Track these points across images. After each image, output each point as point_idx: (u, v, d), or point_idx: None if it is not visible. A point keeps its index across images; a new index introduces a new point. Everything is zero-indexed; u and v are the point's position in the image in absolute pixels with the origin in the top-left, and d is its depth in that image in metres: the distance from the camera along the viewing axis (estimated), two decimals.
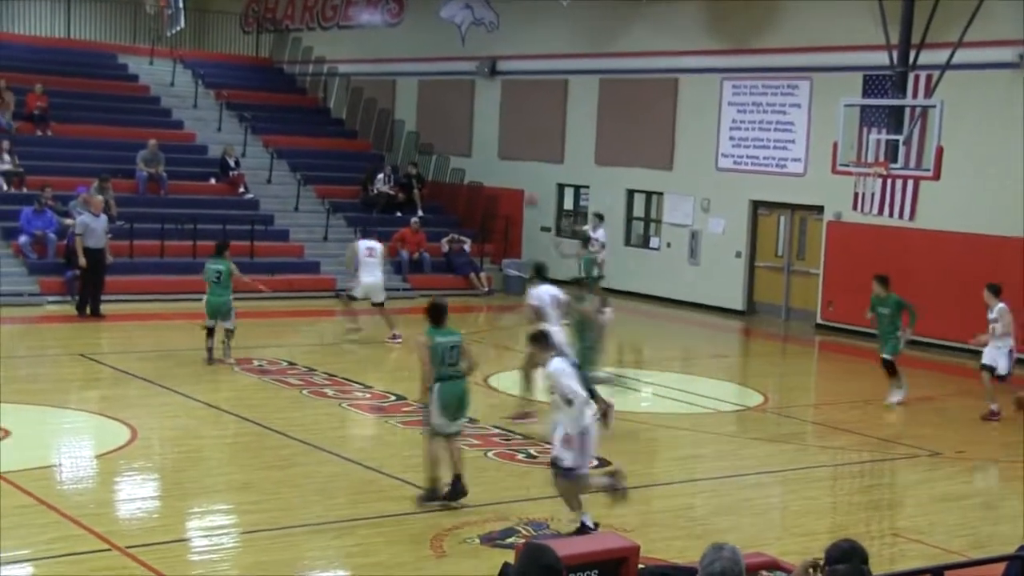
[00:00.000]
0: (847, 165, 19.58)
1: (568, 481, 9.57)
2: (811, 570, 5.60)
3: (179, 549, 9.20)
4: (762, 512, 11.14)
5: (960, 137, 19.39)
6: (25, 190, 23.36)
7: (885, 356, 15.93)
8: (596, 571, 5.90)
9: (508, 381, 16.02)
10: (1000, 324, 14.99)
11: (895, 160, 19.01)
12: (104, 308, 20.15)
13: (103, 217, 20.38)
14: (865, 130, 20.19)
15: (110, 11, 34.61)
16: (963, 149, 19.58)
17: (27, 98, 25.91)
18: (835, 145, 19.67)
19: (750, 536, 9.61)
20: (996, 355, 14.99)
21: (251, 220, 24.62)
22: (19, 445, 11.91)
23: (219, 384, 15.49)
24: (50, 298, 21.15)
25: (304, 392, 14.90)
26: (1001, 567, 6.59)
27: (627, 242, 26.33)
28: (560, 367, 9.73)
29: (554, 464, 9.64)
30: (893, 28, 19.11)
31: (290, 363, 16.68)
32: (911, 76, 19.68)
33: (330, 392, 14.94)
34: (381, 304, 19.17)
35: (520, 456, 12.26)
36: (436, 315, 10.59)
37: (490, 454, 12.29)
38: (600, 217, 23.77)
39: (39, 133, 25.85)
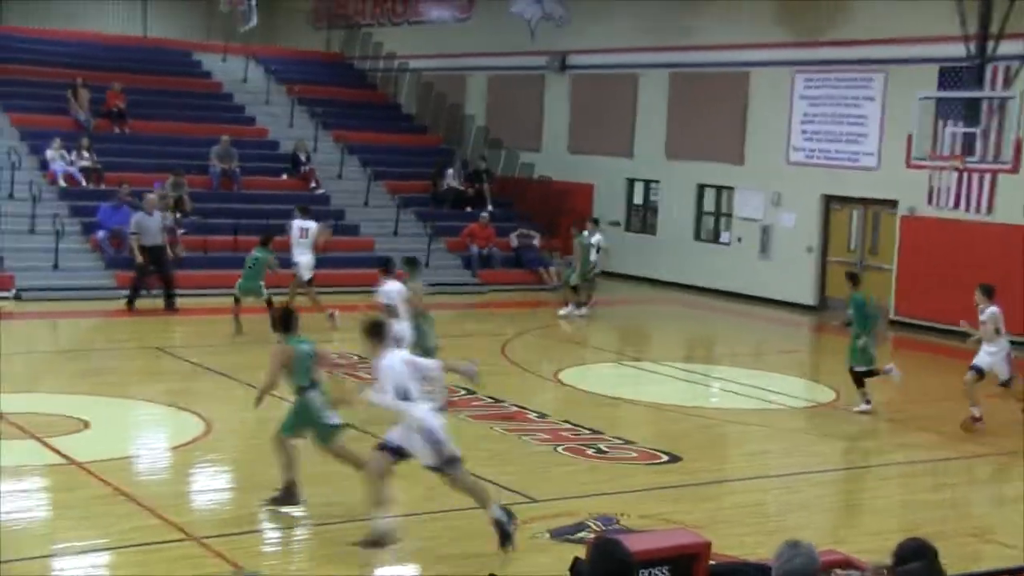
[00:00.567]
0: (922, 159, 19.34)
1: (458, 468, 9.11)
2: (884, 571, 5.54)
3: (252, 540, 9.33)
4: (834, 509, 11.05)
5: None
6: (103, 186, 23.78)
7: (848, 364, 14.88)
8: (667, 567, 5.89)
9: (576, 376, 16.05)
10: (991, 328, 13.92)
11: (971, 153, 18.74)
12: (178, 302, 20.44)
13: (157, 215, 20.57)
14: (941, 123, 19.92)
15: (185, 9, 35.15)
16: None
17: (106, 96, 26.36)
18: (910, 138, 19.44)
19: (822, 533, 9.54)
20: (992, 361, 13.94)
21: (322, 215, 24.80)
22: (98, 436, 12.16)
23: None
24: (127, 292, 21.48)
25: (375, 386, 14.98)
26: None
27: (697, 237, 26.21)
28: (391, 362, 9.15)
29: (450, 464, 9.11)
30: (970, 19, 18.81)
31: (361, 357, 16.80)
32: (988, 67, 19.36)
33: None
34: (309, 282, 19.68)
35: (590, 451, 12.26)
36: (290, 322, 10.24)
37: (560, 448, 12.31)
38: (596, 222, 23.15)
39: (116, 130, 26.29)
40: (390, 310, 13.62)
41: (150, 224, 20.22)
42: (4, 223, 21.99)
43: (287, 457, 10.00)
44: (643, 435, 13.17)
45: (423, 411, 9.11)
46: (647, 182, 27.40)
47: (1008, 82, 19.21)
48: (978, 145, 18.78)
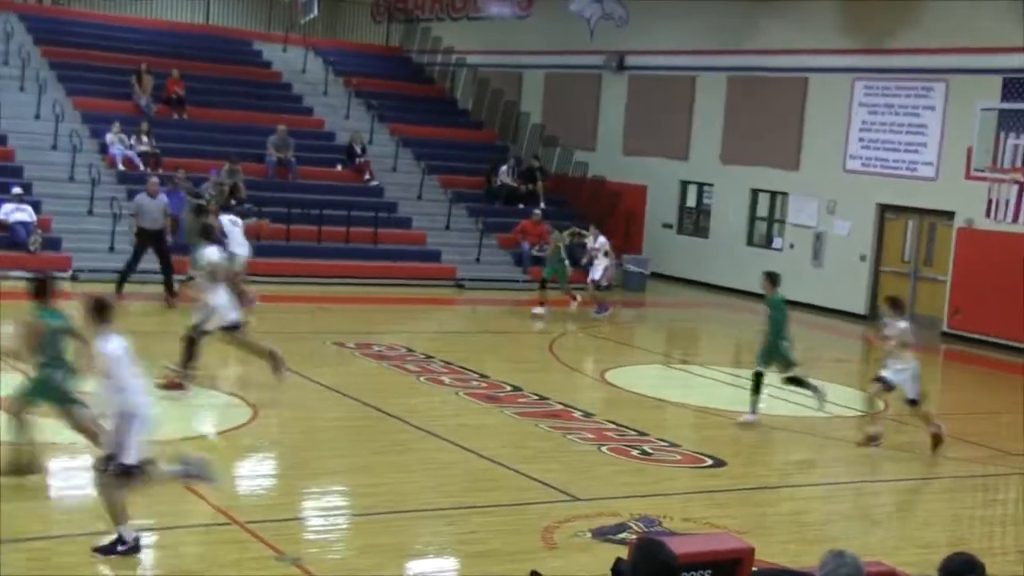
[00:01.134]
0: (982, 170, 19.11)
1: (122, 481, 8.25)
2: None
3: (295, 527, 9.39)
4: (879, 521, 10.94)
5: None
6: (161, 171, 24.01)
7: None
8: (710, 571, 5.86)
9: (625, 377, 16.01)
10: (897, 343, 13.09)
11: None
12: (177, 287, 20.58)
13: (161, 198, 20.23)
14: (1002, 135, 19.69)
15: None
16: None
17: (166, 82, 26.63)
18: (969, 150, 19.23)
19: (866, 544, 9.44)
20: (900, 379, 13.10)
21: (375, 207, 24.97)
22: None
23: (339, 368, 15.75)
24: (179, 277, 21.67)
25: (421, 379, 15.06)
26: None
27: (749, 242, 26.06)
28: (112, 345, 8.57)
29: (108, 461, 8.26)
30: None
31: (409, 349, 16.88)
32: None
33: (447, 380, 15.07)
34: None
35: (635, 452, 12.22)
36: (43, 291, 9.68)
37: (604, 448, 12.28)
38: (598, 226, 23.09)
39: (175, 116, 26.55)
40: (211, 275, 13.41)
41: (151, 207, 19.88)
42: (63, 205, 22.29)
43: (20, 425, 9.72)
44: (688, 438, 13.12)
45: (136, 401, 8.47)
46: (701, 185, 27.28)
47: None
48: None
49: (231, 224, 19.47)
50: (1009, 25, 19.76)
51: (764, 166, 25.42)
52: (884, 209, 23.41)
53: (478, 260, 24.85)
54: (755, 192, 25.97)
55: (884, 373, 13.25)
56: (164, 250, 20.02)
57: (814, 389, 14.08)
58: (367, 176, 26.46)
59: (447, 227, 25.65)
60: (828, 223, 24.21)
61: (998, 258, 20.98)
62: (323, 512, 9.95)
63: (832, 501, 11.47)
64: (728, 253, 26.14)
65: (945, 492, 12.17)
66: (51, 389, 9.74)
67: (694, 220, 27.57)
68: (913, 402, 13.20)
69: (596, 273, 21.84)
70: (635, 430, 13.06)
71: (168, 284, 19.88)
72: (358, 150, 26.72)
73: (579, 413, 13.70)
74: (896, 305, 13.52)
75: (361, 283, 22.66)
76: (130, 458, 8.25)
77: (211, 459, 9.25)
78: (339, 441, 12.35)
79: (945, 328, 22.05)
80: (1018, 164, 18.90)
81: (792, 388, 14.26)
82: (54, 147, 23.70)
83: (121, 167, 23.88)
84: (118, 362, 8.49)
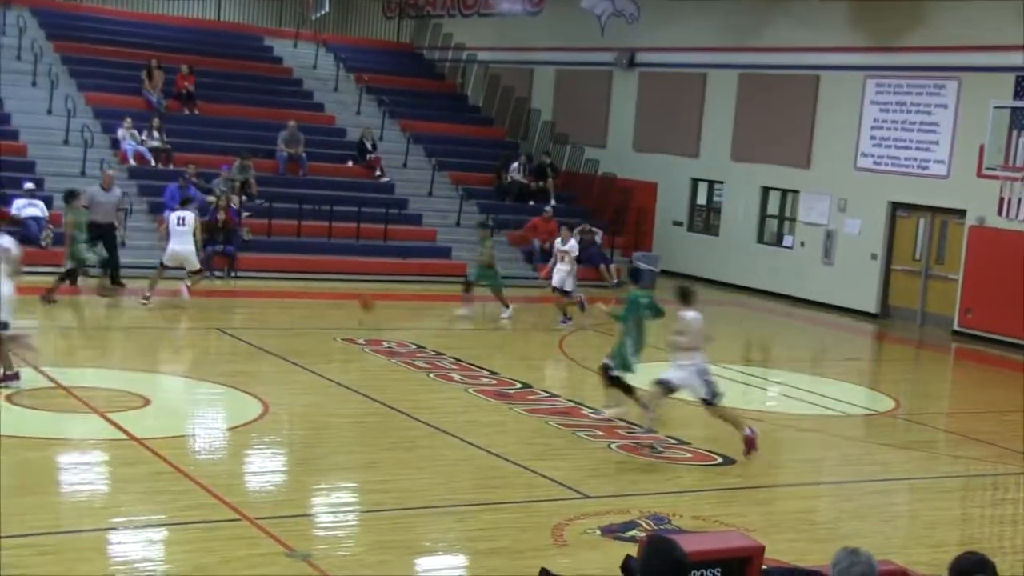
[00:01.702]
0: (993, 169, 19.06)
1: None
2: None
3: (304, 523, 9.40)
4: (889, 519, 10.91)
5: None
6: (172, 166, 24.07)
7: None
8: (719, 569, 5.85)
9: (641, 377, 15.96)
10: (686, 337, 12.09)
11: None
12: (240, 284, 20.64)
13: (115, 192, 20.08)
14: (1015, 133, 19.62)
15: None
16: None
17: (176, 77, 26.67)
18: (981, 148, 19.17)
19: (876, 543, 9.42)
20: (685, 377, 12.09)
21: (386, 203, 24.98)
22: (157, 414, 12.32)
23: (349, 364, 15.77)
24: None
25: (431, 376, 15.06)
26: None
27: (760, 239, 26.03)
28: None
29: None
30: None
31: (419, 346, 16.89)
32: None
33: (457, 377, 15.07)
34: (198, 272, 19.28)
35: (644, 450, 12.21)
36: None
37: (613, 446, 12.28)
38: (570, 227, 20.97)
39: (186, 112, 26.59)
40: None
41: (104, 200, 19.73)
42: None
43: None
44: (698, 436, 13.09)
45: None
46: (711, 182, 27.25)
47: None
48: None
49: (177, 219, 19.08)
50: (1022, 23, 19.69)
51: (775, 164, 25.38)
52: (895, 207, 23.36)
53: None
54: (766, 190, 25.94)
55: (664, 375, 12.26)
56: (113, 244, 19.87)
57: (643, 406, 12.73)
58: (378, 172, 26.47)
59: (457, 224, 25.66)
60: (839, 221, 24.17)
61: (1010, 256, 20.92)
62: (333, 508, 9.96)
63: (842, 499, 11.46)
64: (738, 251, 26.11)
65: (955, 491, 12.15)
66: None
67: (704, 218, 27.54)
68: (707, 402, 12.12)
69: (557, 279, 19.87)
70: (645, 428, 13.03)
71: (114, 277, 19.81)
72: (369, 146, 26.74)
73: (589, 410, 13.69)
74: (686, 297, 12.39)
75: (371, 279, 22.69)
76: None
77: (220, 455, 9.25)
78: (349, 437, 12.36)
79: (956, 327, 22.00)
80: None
81: (614, 390, 13.19)
82: (66, 142, 23.76)
83: (132, 162, 23.92)
84: None
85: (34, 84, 25.25)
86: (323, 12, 32.19)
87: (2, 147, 22.99)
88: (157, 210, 22.70)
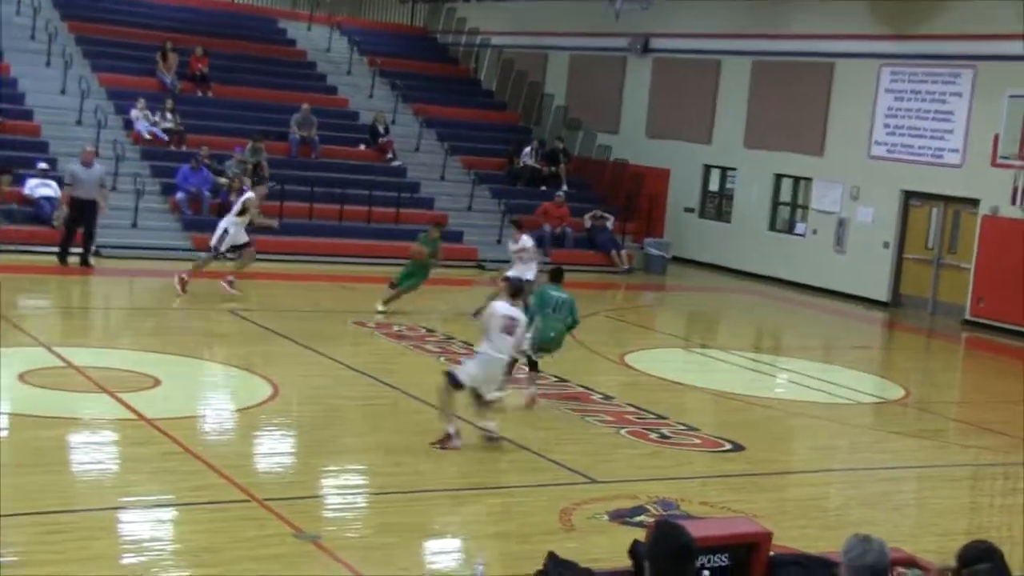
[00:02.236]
0: (1008, 158, 18.96)
1: None
2: (948, 573, 5.46)
3: (313, 505, 9.42)
4: (898, 507, 10.91)
5: None
6: (184, 148, 24.09)
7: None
8: (727, 555, 5.84)
9: (645, 360, 16.00)
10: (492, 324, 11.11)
11: None
12: (252, 267, 20.60)
13: (96, 168, 19.98)
14: None
15: None
16: None
17: (190, 59, 26.68)
18: (996, 137, 19.09)
19: (885, 531, 9.37)
20: (475, 369, 11.10)
21: (397, 187, 24.98)
22: (168, 394, 12.35)
23: (359, 347, 15.80)
24: (203, 254, 21.74)
25: (441, 359, 15.05)
26: None
27: (772, 227, 25.98)
28: None
29: None
30: None
31: (429, 330, 16.90)
32: None
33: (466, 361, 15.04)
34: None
35: (653, 435, 12.22)
36: None
37: (623, 431, 12.28)
38: (519, 225, 18.74)
39: (200, 94, 26.60)
40: None
41: (86, 177, 19.67)
42: None
43: None
44: (708, 422, 13.10)
45: None
46: (724, 169, 27.19)
47: None
48: None
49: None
50: None
51: (788, 151, 25.31)
52: (908, 196, 23.28)
53: (499, 241, 24.81)
54: (778, 177, 25.87)
55: (458, 372, 11.18)
56: (91, 222, 19.79)
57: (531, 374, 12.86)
58: (390, 156, 26.47)
59: (469, 208, 25.65)
60: (851, 209, 24.10)
61: (1022, 246, 20.85)
62: (341, 491, 9.99)
63: (851, 487, 11.45)
64: (750, 238, 26.06)
65: (964, 480, 12.14)
66: None
67: (716, 204, 27.49)
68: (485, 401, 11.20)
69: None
70: (654, 413, 13.06)
71: (86, 253, 19.74)
72: (381, 130, 26.72)
73: (599, 396, 13.70)
74: (516, 290, 11.61)
75: (383, 263, 22.70)
76: None
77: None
78: (358, 420, 12.38)
79: (968, 316, 21.95)
80: None
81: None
82: (79, 123, 23.77)
83: (146, 141, 23.91)
84: None
85: (48, 64, 25.28)
86: None
87: (16, 127, 23.05)
88: (169, 191, 22.74)
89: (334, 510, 9.47)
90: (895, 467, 12.25)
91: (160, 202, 22.73)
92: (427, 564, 8.60)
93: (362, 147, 26.67)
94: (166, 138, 24.22)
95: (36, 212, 21.13)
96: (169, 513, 8.91)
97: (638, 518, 9.35)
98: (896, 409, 15.14)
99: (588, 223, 26.01)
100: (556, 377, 14.46)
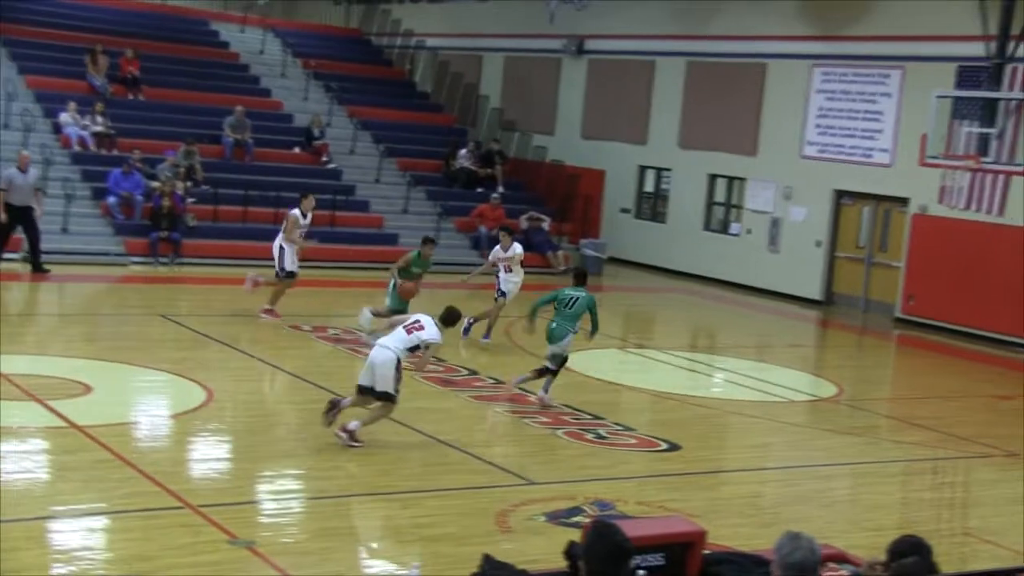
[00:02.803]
0: (936, 157, 19.25)
1: None
2: (878, 567, 5.55)
3: (249, 511, 9.34)
4: (831, 504, 11.03)
5: None
6: (115, 152, 23.77)
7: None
8: (662, 554, 5.87)
9: (581, 361, 16.03)
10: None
11: (986, 154, 18.65)
12: (184, 270, 20.45)
13: (31, 173, 19.78)
14: (956, 122, 19.83)
15: None
16: None
17: (120, 62, 26.35)
18: (924, 137, 19.36)
19: (818, 528, 9.50)
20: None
21: (333, 190, 24.84)
22: (99, 401, 12.18)
23: (295, 351, 15.68)
24: (135, 258, 21.55)
25: None
26: None
27: (707, 227, 26.17)
28: None
29: None
30: (991, 19, 18.72)
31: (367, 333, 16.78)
32: (1007, 68, 19.26)
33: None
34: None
35: (589, 436, 12.26)
36: None
37: (560, 432, 12.30)
38: (510, 232, 18.08)
39: (131, 96, 26.28)
40: None
41: (21, 182, 19.45)
42: None
43: None
44: (644, 422, 13.18)
45: None
46: (659, 170, 27.35)
47: None
48: (993, 146, 18.69)
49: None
50: (964, 14, 19.91)
51: (722, 151, 25.52)
52: (840, 195, 23.57)
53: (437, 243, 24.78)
54: (713, 177, 26.08)
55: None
56: (33, 226, 19.59)
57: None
58: (325, 159, 26.32)
59: (405, 210, 25.58)
60: (784, 209, 24.35)
61: (951, 244, 21.20)
62: (277, 496, 9.91)
63: (785, 485, 11.56)
64: (685, 238, 26.25)
65: (896, 476, 12.30)
66: None
67: (652, 205, 27.65)
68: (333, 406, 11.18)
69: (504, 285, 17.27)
70: (591, 414, 13.10)
71: (35, 258, 19.52)
72: (316, 133, 26.56)
73: (535, 396, 13.71)
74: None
75: (318, 266, 22.58)
76: None
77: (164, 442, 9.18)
78: (294, 425, 12.29)
79: (898, 314, 22.26)
80: (971, 151, 19.06)
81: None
82: (6, 126, 23.38)
83: (76, 147, 23.60)
84: None
85: None
86: None
87: None
88: (100, 196, 22.44)
89: (269, 515, 9.39)
90: (829, 464, 12.40)
91: (91, 207, 22.41)
92: (363, 568, 8.56)
93: (297, 150, 26.50)
94: (93, 144, 23.85)
95: None
96: (100, 521, 8.79)
97: (575, 519, 9.38)
98: (829, 406, 15.31)
99: (524, 224, 26.03)
100: (493, 379, 14.46)
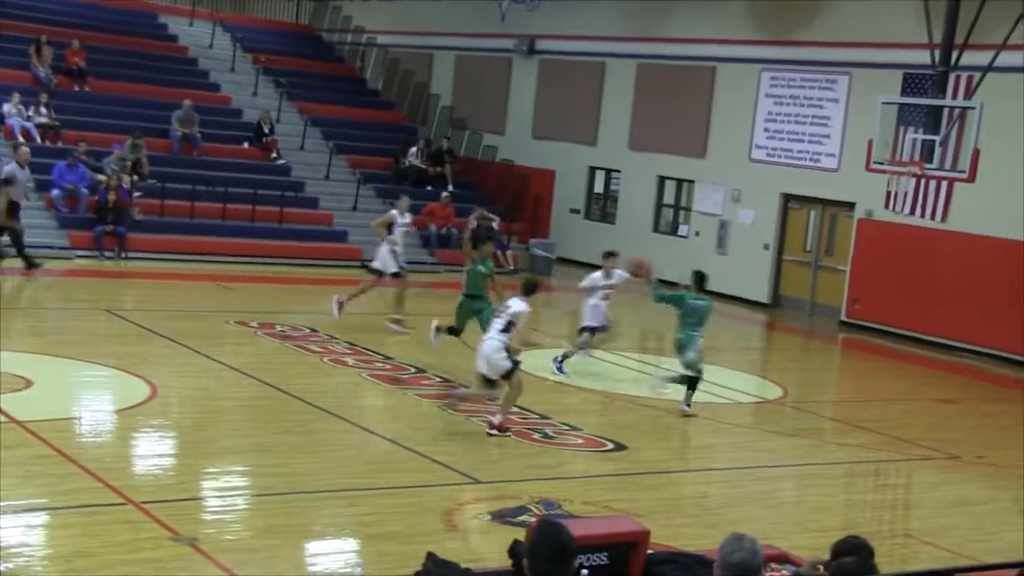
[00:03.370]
0: (881, 163, 19.45)
1: None
2: (820, 567, 5.60)
3: (192, 508, 9.25)
4: (775, 505, 11.11)
5: (997, 140, 19.22)
6: (60, 144, 23.48)
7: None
8: (606, 553, 5.88)
9: (529, 360, 16.01)
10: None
11: (930, 160, 18.86)
12: (130, 265, 20.24)
13: (27, 170, 19.73)
14: (902, 129, 20.03)
15: None
16: (999, 153, 19.40)
17: (66, 53, 26.02)
18: (870, 142, 19.54)
19: (762, 528, 9.56)
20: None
21: (282, 186, 24.70)
22: (41, 396, 12.02)
23: (241, 347, 15.57)
24: (79, 252, 21.29)
25: (325, 360, 14.94)
26: (1012, 573, 6.55)
27: (656, 228, 26.28)
28: None
29: None
30: (936, 27, 18.94)
31: (312, 330, 16.74)
32: (952, 76, 19.50)
33: (350, 361, 14.97)
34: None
35: (536, 435, 12.27)
36: None
37: (507, 432, 12.28)
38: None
39: (76, 88, 25.95)
40: None
41: (21, 178, 19.41)
42: None
43: None
44: (590, 422, 13.20)
45: None
46: (608, 171, 27.43)
47: (970, 92, 19.37)
48: (937, 153, 18.91)
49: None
50: (911, 22, 20.13)
51: (671, 154, 25.64)
52: (788, 199, 23.76)
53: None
54: (662, 179, 26.19)
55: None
56: (18, 223, 19.46)
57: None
58: (274, 154, 26.15)
59: (354, 208, 25.47)
60: (733, 212, 24.51)
61: (896, 249, 21.44)
62: (221, 492, 9.82)
63: (731, 486, 11.63)
64: (635, 239, 26.27)
65: (840, 477, 12.41)
66: None
67: (601, 206, 27.73)
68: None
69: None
70: (537, 413, 13.11)
71: (28, 258, 19.41)
72: (266, 129, 26.39)
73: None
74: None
75: (266, 262, 22.45)
76: None
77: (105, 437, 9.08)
78: (239, 421, 12.20)
79: (844, 317, 22.47)
80: (916, 157, 19.27)
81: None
82: None
83: (20, 139, 23.26)
84: None
85: None
86: None
87: None
88: (44, 188, 22.14)
89: (213, 512, 9.31)
90: (773, 465, 12.49)
91: (35, 199, 22.09)
92: (308, 566, 8.50)
93: (246, 145, 26.31)
94: (37, 136, 23.53)
95: None
96: (40, 517, 8.67)
97: (520, 518, 9.38)
98: (775, 409, 15.43)
99: (473, 223, 25.93)
100: (441, 378, 14.43)
